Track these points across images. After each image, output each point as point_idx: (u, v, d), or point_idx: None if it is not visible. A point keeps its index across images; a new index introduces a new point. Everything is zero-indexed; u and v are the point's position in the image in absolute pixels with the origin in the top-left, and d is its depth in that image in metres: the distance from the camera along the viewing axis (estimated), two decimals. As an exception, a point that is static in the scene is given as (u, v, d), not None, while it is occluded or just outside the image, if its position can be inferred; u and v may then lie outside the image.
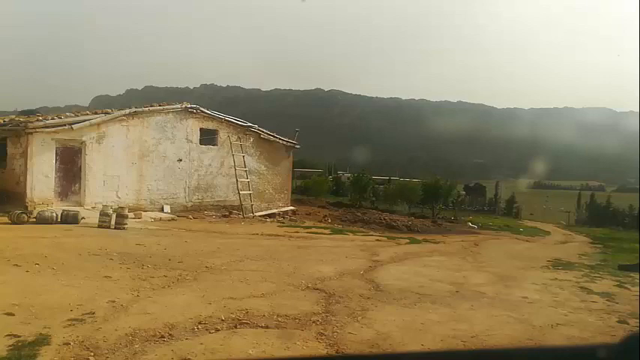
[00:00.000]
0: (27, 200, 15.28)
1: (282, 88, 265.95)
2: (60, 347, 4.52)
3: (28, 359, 4.27)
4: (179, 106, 19.73)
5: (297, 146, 24.61)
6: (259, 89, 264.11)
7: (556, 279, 10.20)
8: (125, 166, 17.85)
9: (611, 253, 18.60)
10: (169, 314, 5.65)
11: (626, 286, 9.89)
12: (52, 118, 16.58)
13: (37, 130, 15.65)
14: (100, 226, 13.37)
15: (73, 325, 5.11)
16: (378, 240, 16.31)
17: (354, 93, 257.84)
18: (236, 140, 21.20)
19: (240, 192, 20.54)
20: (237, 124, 21.74)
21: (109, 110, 18.29)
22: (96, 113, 17.83)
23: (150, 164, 18.68)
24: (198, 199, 20.24)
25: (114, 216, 13.67)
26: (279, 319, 5.78)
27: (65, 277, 7.23)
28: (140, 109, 18.73)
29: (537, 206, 56.64)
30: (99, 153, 17.16)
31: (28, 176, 15.47)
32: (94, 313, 5.52)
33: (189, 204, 19.86)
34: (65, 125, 16.17)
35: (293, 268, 9.25)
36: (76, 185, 16.77)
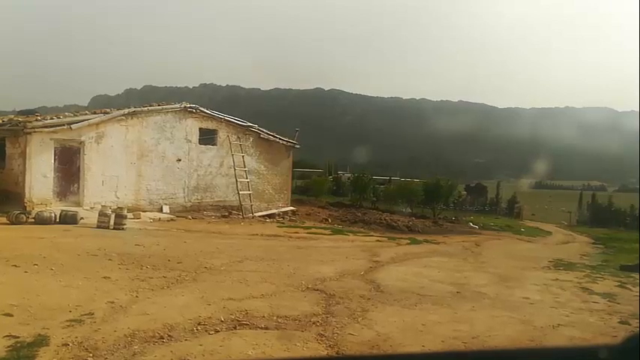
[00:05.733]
0: (25, 200, 15.24)
1: (282, 88, 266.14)
2: (59, 348, 4.50)
3: (26, 360, 4.24)
4: (178, 105, 19.71)
5: (297, 146, 24.59)
6: (259, 89, 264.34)
7: (557, 279, 10.19)
8: (124, 166, 17.82)
9: (612, 254, 18.63)
10: (168, 315, 5.63)
11: (627, 286, 9.87)
12: (51, 118, 16.56)
13: (36, 130, 15.62)
14: (98, 227, 13.35)
15: (72, 325, 5.09)
16: (378, 240, 16.30)
17: (354, 93, 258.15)
18: (236, 140, 21.18)
19: (240, 192, 20.51)
20: (236, 123, 21.71)
21: (108, 110, 18.26)
22: (95, 113, 17.81)
23: (149, 164, 18.65)
24: (198, 199, 20.21)
25: (113, 216, 13.64)
26: (279, 320, 5.75)
27: (64, 278, 7.20)
28: (139, 109, 18.71)
29: (539, 206, 56.71)
30: (98, 153, 17.13)
31: (26, 176, 15.44)
32: (92, 314, 5.50)
33: (189, 204, 19.83)
34: (64, 125, 16.14)
35: (293, 268, 9.23)
36: (75, 185, 16.74)
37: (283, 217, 21.60)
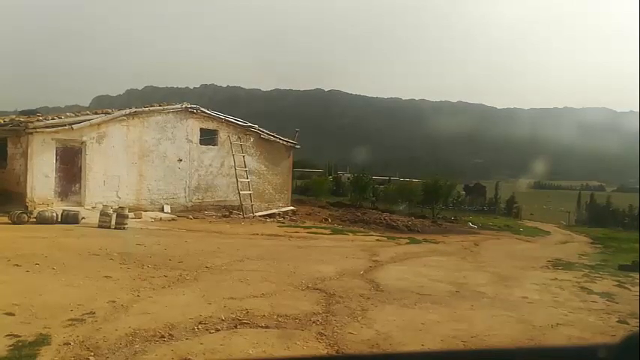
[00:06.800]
0: (27, 200, 15.27)
1: (282, 88, 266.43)
2: (60, 347, 4.51)
3: (28, 359, 4.27)
4: (179, 106, 19.74)
5: (297, 146, 24.61)
6: (259, 89, 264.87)
7: (556, 279, 10.21)
8: (125, 166, 17.85)
9: (611, 253, 18.63)
10: (169, 314, 5.65)
11: (626, 286, 9.90)
12: (53, 118, 16.58)
13: (38, 130, 15.65)
14: (100, 226, 13.37)
15: (74, 325, 5.11)
16: (378, 240, 16.31)
17: (354, 93, 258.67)
18: (236, 140, 21.20)
19: (241, 192, 20.53)
20: (237, 124, 21.74)
21: (109, 110, 18.29)
22: (96, 113, 17.83)
23: (150, 164, 18.68)
24: (199, 199, 20.24)
25: (114, 216, 13.67)
26: (280, 319, 5.77)
27: (65, 277, 7.23)
28: (140, 109, 18.74)
29: (537, 206, 56.71)
30: (99, 153, 17.16)
31: (28, 176, 15.46)
32: (94, 313, 5.51)
33: (190, 204, 19.86)
34: (65, 125, 16.17)
35: (293, 268, 9.25)
36: (77, 185, 16.77)
37: (283, 217, 21.62)
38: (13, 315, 5.30)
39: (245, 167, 21.08)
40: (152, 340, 4.83)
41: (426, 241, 17.53)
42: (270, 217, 20.92)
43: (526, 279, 10.05)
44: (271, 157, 23.11)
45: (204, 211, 19.88)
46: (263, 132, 22.78)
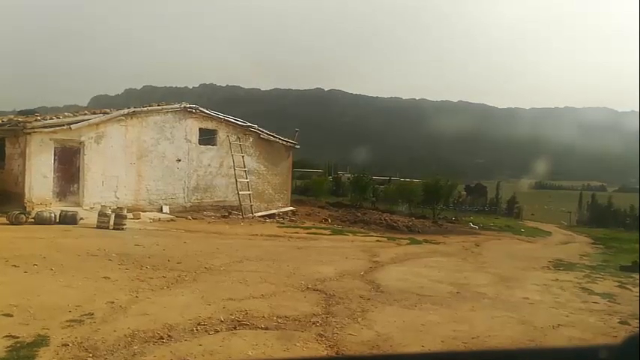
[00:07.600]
0: (25, 200, 15.25)
1: (282, 88, 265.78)
2: (58, 348, 4.51)
3: (25, 361, 4.24)
4: (178, 106, 19.70)
5: (297, 146, 24.57)
6: (259, 89, 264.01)
7: (557, 280, 10.20)
8: (124, 167, 17.81)
9: (612, 254, 18.61)
10: (168, 315, 5.63)
11: (627, 286, 9.89)
12: (51, 118, 16.56)
13: (36, 130, 15.63)
14: (98, 227, 13.35)
15: (72, 326, 5.10)
16: (378, 241, 16.29)
17: (354, 93, 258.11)
18: (235, 140, 21.17)
19: (240, 192, 20.50)
20: (236, 124, 21.71)
21: (108, 110, 18.26)
22: (94, 113, 17.81)
23: (149, 164, 18.65)
24: (198, 199, 20.21)
25: (112, 216, 13.64)
26: (279, 321, 5.75)
27: (64, 278, 7.21)
28: (139, 109, 18.71)
29: (538, 206, 56.75)
30: (97, 153, 17.13)
31: (26, 176, 15.45)
32: (92, 314, 5.50)
33: (189, 204, 19.82)
34: (64, 125, 16.15)
35: (293, 268, 9.23)
36: (75, 185, 16.74)
37: (283, 218, 21.59)
38: (12, 316, 5.29)
39: (244, 167, 21.04)
40: (151, 341, 4.82)
41: (426, 241, 17.51)
42: (269, 218, 20.89)
43: (527, 280, 10.03)
44: (271, 157, 23.07)
45: (203, 211, 19.84)
46: (262, 132, 22.75)
